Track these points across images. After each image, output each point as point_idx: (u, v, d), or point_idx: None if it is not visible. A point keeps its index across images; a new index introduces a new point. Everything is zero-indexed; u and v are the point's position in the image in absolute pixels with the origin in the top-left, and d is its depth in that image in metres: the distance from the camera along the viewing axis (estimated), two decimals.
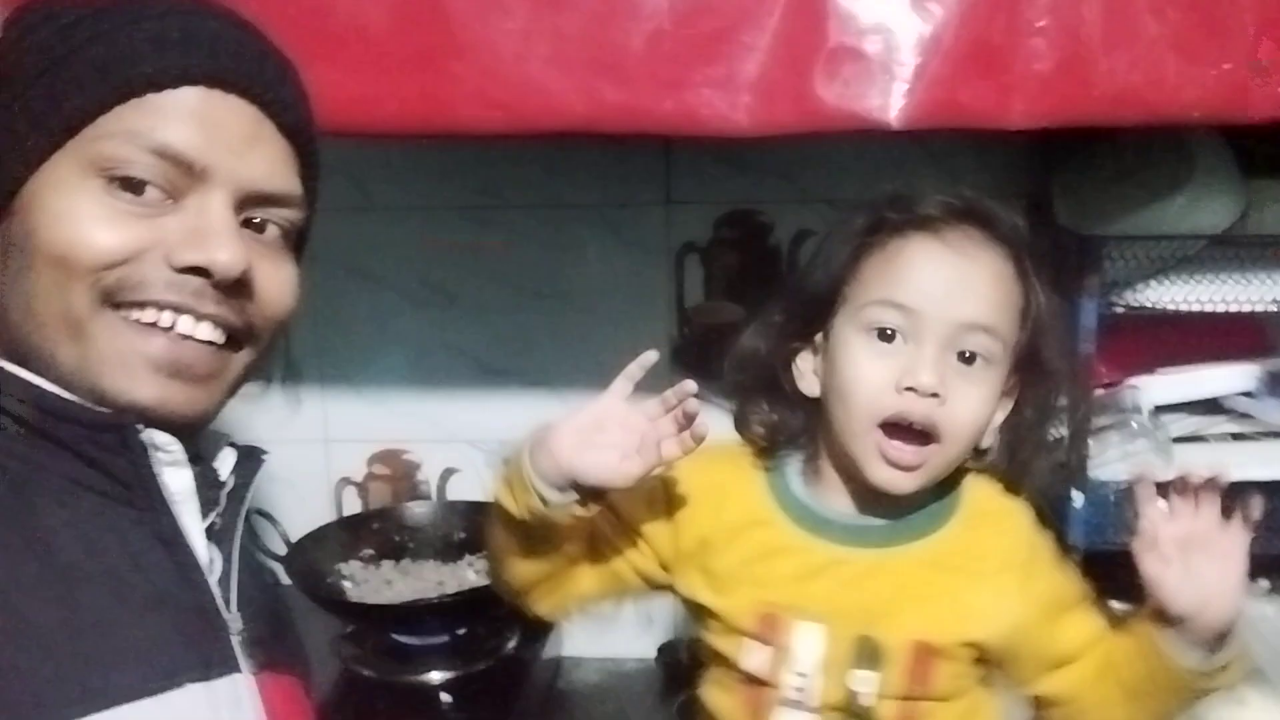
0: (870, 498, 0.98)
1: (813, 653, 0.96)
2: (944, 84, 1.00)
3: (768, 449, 1.04)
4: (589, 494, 0.93)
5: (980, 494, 1.01)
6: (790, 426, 1.02)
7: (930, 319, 0.92)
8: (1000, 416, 0.99)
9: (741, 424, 1.05)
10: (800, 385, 1.01)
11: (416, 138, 1.12)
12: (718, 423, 1.02)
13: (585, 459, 0.91)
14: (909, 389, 0.92)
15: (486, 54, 1.05)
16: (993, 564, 0.97)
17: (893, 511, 0.99)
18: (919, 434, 0.93)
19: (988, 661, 0.98)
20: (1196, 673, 0.91)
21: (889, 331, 0.93)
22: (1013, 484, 1.02)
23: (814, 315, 0.99)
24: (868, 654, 0.95)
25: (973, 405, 0.94)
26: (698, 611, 1.03)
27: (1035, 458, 1.02)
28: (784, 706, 0.98)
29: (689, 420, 0.91)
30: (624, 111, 1.04)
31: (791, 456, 1.03)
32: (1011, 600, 0.96)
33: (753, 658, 0.98)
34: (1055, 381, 1.00)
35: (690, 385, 0.91)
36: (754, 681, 0.99)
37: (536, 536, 0.96)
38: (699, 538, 1.01)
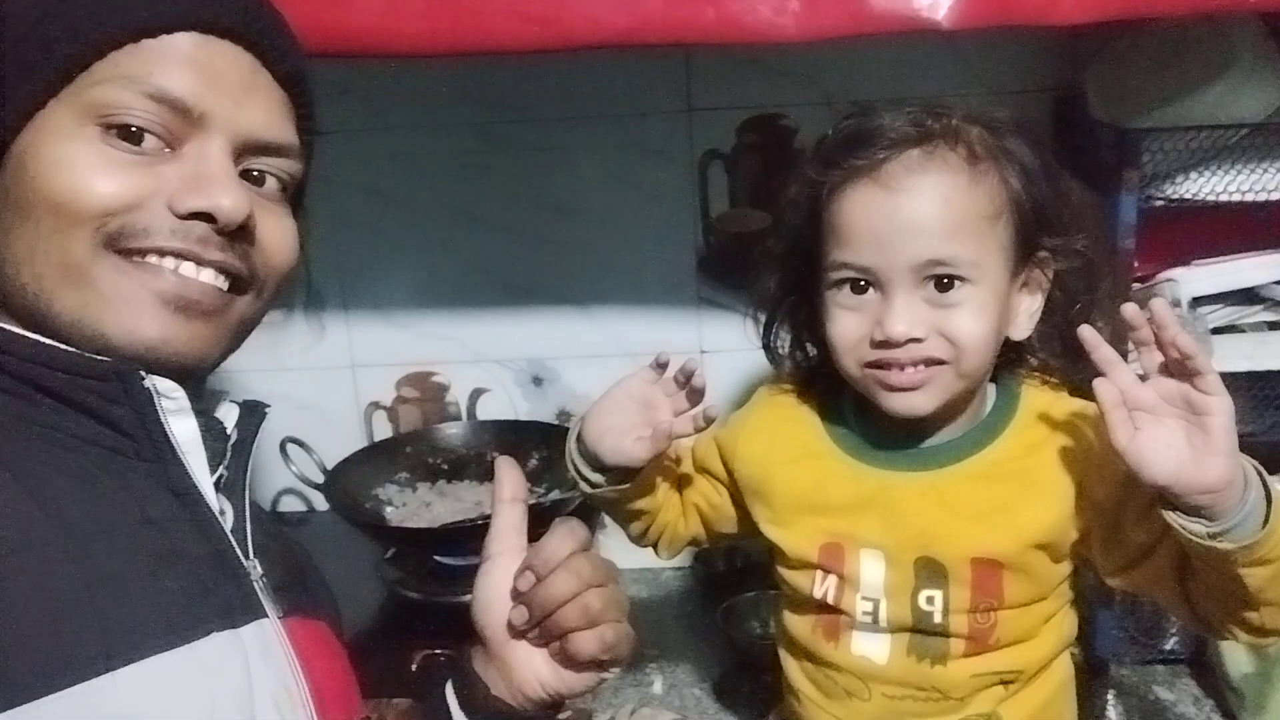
0: (913, 422, 0.97)
1: (877, 578, 0.98)
2: None
3: (804, 384, 1.07)
4: (618, 473, 1.00)
5: (1039, 400, 0.99)
6: (813, 364, 1.06)
7: (886, 269, 0.91)
8: (1033, 305, 0.97)
9: (774, 361, 1.09)
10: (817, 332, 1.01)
11: (446, 57, 1.08)
12: (739, 332, 1.08)
13: (604, 443, 0.98)
14: (884, 341, 0.91)
15: None
16: (1048, 468, 0.95)
17: (943, 432, 0.99)
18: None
19: (1064, 559, 0.97)
20: (1209, 543, 0.81)
21: (861, 283, 0.93)
22: (1075, 383, 0.98)
23: (801, 271, 1.01)
24: (931, 574, 0.96)
25: (963, 324, 0.91)
26: (768, 545, 1.05)
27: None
28: (857, 630, 1.00)
29: (698, 396, 0.96)
30: (665, 22, 1.01)
31: (848, 388, 1.02)
32: (1069, 502, 0.94)
33: (820, 587, 1.00)
34: (1071, 255, 0.96)
35: (693, 364, 0.96)
36: (826, 608, 1.01)
37: (613, 501, 1.04)
38: (754, 475, 1.05)
